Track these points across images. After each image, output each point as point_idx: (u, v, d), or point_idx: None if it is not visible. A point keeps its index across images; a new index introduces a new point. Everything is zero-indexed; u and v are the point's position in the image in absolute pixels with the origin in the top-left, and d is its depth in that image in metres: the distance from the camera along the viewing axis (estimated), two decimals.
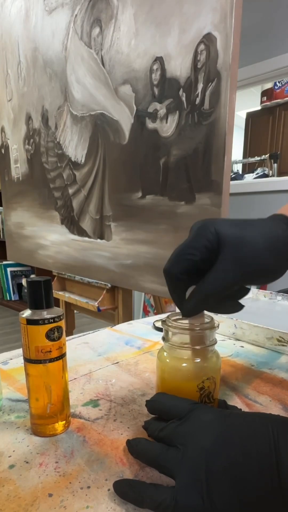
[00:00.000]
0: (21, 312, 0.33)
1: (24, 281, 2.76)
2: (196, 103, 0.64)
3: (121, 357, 0.54)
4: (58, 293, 1.24)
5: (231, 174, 1.79)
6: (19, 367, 0.50)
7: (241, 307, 0.35)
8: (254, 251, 0.30)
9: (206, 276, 0.31)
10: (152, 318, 0.74)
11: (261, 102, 3.32)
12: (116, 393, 0.43)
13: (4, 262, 2.76)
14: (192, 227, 0.33)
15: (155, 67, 0.70)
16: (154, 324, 0.69)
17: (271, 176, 2.44)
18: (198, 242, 0.31)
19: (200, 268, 0.31)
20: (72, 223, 1.02)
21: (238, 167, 3.17)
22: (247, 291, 0.34)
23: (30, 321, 0.32)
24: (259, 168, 2.57)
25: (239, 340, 0.61)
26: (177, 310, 0.34)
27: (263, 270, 0.31)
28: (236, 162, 2.76)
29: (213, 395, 0.34)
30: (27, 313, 0.33)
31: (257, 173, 2.49)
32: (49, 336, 0.32)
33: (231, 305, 0.35)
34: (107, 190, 0.88)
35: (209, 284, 0.30)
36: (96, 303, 1.05)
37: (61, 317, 0.34)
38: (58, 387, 0.34)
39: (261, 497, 0.23)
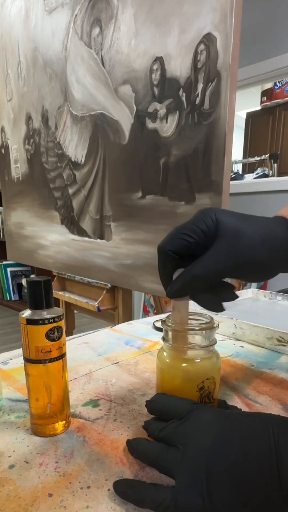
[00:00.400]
0: (21, 312, 0.33)
1: (24, 281, 2.76)
2: (196, 103, 0.64)
3: (121, 357, 0.54)
4: (58, 293, 1.24)
5: (231, 174, 1.79)
6: (19, 367, 0.50)
7: (222, 309, 0.34)
8: (250, 243, 0.31)
9: (198, 259, 0.31)
10: (152, 318, 0.74)
11: (261, 102, 3.32)
12: (116, 393, 0.43)
13: (4, 262, 2.76)
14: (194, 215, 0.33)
15: (155, 67, 0.70)
16: (154, 324, 0.69)
17: (271, 176, 2.44)
18: (197, 225, 0.31)
19: (194, 253, 0.31)
20: (72, 223, 1.02)
21: (238, 167, 3.17)
22: (234, 296, 0.34)
23: (30, 321, 0.32)
24: (259, 168, 2.57)
25: (239, 340, 0.61)
26: None
27: (256, 264, 0.31)
28: (236, 162, 2.76)
29: (213, 395, 0.34)
30: (27, 313, 0.33)
31: (257, 173, 2.49)
32: (49, 336, 0.32)
33: (214, 302, 0.34)
34: (107, 190, 0.88)
35: (199, 267, 0.30)
36: (96, 303, 1.05)
37: (61, 317, 0.34)
38: (58, 387, 0.34)
39: (261, 497, 0.23)
